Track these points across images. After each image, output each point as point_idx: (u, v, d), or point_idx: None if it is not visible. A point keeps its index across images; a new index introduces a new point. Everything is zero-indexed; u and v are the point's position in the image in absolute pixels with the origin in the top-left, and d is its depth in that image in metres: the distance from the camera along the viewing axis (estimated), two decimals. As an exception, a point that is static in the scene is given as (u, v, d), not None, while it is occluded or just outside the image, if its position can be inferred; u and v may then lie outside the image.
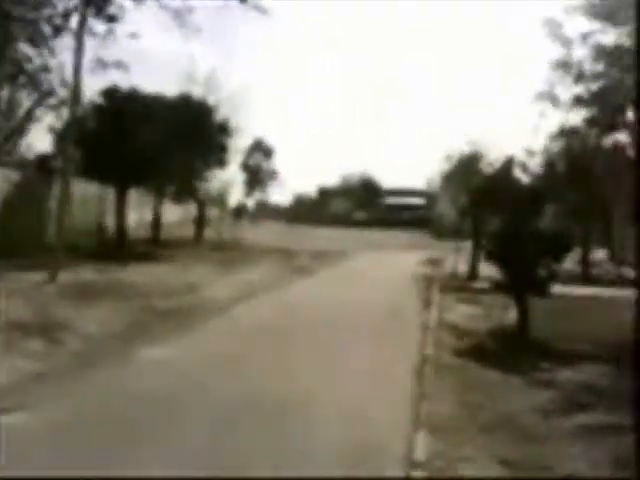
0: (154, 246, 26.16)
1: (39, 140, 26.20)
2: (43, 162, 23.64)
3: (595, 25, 11.96)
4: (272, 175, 73.36)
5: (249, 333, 10.22)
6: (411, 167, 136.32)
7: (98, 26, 15.16)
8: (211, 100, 29.21)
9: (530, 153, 22.79)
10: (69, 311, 10.97)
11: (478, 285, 18.12)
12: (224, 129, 28.82)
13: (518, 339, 10.09)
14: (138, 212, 30.18)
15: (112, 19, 14.79)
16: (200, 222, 33.96)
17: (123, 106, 23.66)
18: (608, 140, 19.87)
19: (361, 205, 79.46)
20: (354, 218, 74.27)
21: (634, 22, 11.51)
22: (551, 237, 10.53)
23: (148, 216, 29.19)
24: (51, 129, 23.28)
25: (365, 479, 4.88)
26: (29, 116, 20.02)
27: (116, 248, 22.62)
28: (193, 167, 27.17)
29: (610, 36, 11.85)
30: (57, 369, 7.41)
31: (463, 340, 10.17)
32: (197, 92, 28.47)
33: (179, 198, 29.55)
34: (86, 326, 9.83)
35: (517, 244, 10.41)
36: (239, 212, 53.59)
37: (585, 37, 12.17)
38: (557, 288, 11.15)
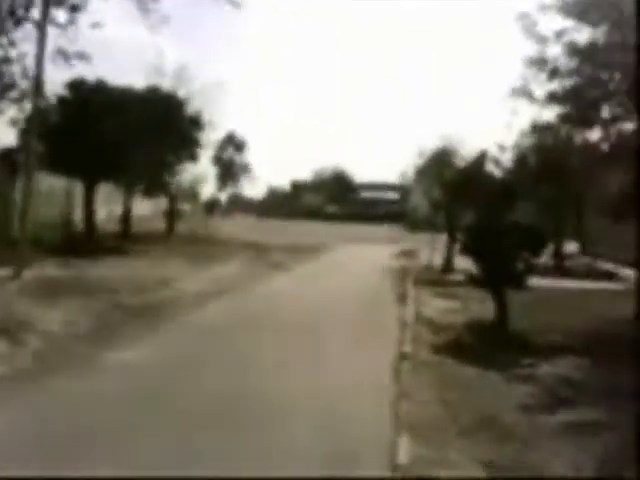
0: (124, 240, 25.53)
1: (3, 134, 25.42)
2: (7, 156, 22.84)
3: (569, 23, 11.90)
4: (245, 169, 72.83)
5: (222, 332, 9.86)
6: (384, 161, 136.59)
7: (61, 16, 14.60)
8: (182, 93, 28.66)
9: (502, 148, 22.85)
10: (33, 309, 10.51)
11: (453, 278, 18.04)
12: (195, 122, 28.27)
13: (496, 333, 9.95)
14: (107, 206, 29.49)
15: (75, 8, 14.23)
16: (171, 216, 33.36)
17: (90, 98, 23.01)
18: (580, 136, 20.03)
19: (334, 199, 79.35)
20: (327, 212, 74.12)
21: (607, 20, 11.50)
22: (527, 230, 10.41)
23: (118, 210, 28.54)
24: (14, 122, 22.52)
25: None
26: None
27: (84, 243, 21.99)
28: (163, 161, 26.59)
29: (584, 34, 11.80)
30: (16, 373, 7.02)
31: (440, 335, 10.00)
32: (166, 85, 27.90)
33: (149, 192, 28.89)
34: (50, 326, 9.41)
35: (493, 237, 10.28)
36: (211, 206, 53.03)
37: (559, 34, 12.09)
38: (532, 281, 11.06)
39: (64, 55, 14.43)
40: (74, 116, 22.59)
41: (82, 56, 14.87)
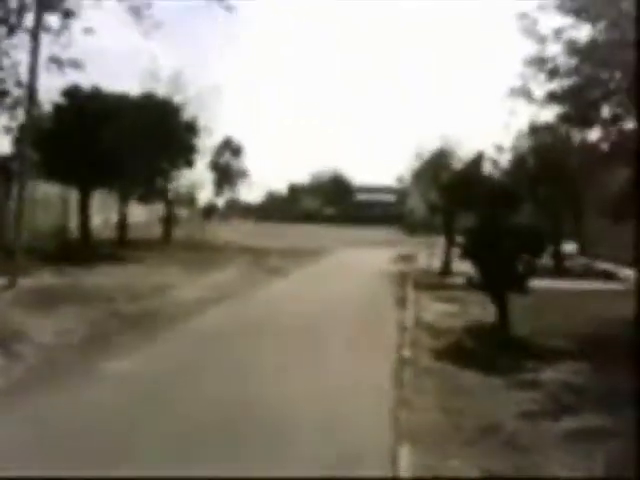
0: (120, 247, 25.39)
1: (-2, 142, 25.42)
2: (1, 164, 22.75)
3: (568, 21, 11.80)
4: (242, 173, 72.78)
5: (219, 340, 9.70)
6: (381, 164, 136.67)
7: (54, 23, 14.53)
8: (177, 99, 28.59)
9: (500, 149, 22.81)
10: (28, 319, 10.38)
11: (452, 281, 17.92)
12: (191, 128, 28.19)
13: (497, 337, 9.82)
14: (103, 213, 29.39)
15: (68, 14, 14.12)
16: (168, 222, 33.21)
17: (85, 105, 22.97)
18: (578, 135, 19.96)
19: (331, 202, 79.35)
20: (325, 215, 74.09)
21: (606, 18, 11.41)
22: (528, 232, 10.29)
23: (114, 217, 28.44)
24: (7, 130, 22.40)
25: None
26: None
27: (80, 250, 21.85)
28: (158, 167, 26.49)
29: (583, 32, 11.71)
30: (8, 386, 6.89)
31: (441, 339, 9.86)
32: (162, 91, 27.84)
33: (145, 198, 28.77)
34: (45, 336, 9.26)
35: (493, 240, 10.16)
36: (209, 211, 52.96)
37: (558, 33, 12.00)
38: (531, 282, 10.94)
39: (57, 63, 14.32)
40: (69, 123, 22.55)
41: (76, 64, 14.77)
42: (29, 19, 13.69)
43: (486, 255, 10.35)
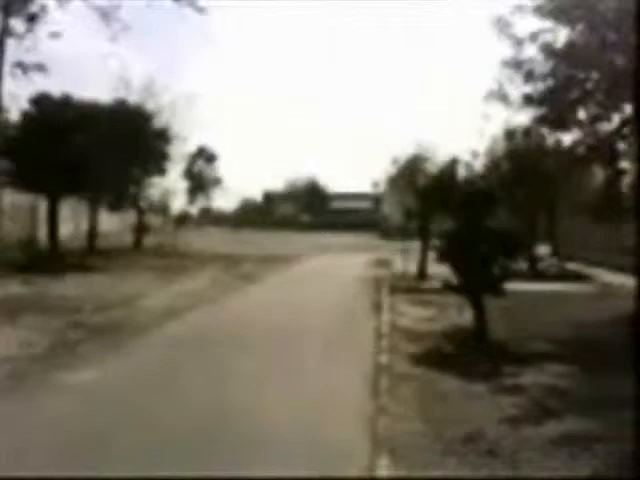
0: (89, 256, 24.77)
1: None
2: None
3: (545, 24, 11.72)
4: (216, 181, 72.02)
5: (185, 351, 9.27)
6: (356, 171, 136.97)
7: (19, 27, 14.12)
8: (150, 106, 28.15)
9: (475, 154, 22.84)
10: (-11, 331, 9.93)
11: (428, 285, 17.75)
12: (163, 136, 27.75)
13: (475, 341, 9.60)
14: (74, 222, 28.73)
15: (33, 18, 13.68)
16: (140, 230, 32.62)
17: (54, 113, 22.38)
18: (552, 138, 20.03)
19: (307, 209, 79.10)
20: (300, 222, 73.81)
21: (584, 20, 11.35)
22: (504, 235, 10.12)
23: (85, 226, 27.79)
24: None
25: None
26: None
27: (49, 260, 21.21)
28: (130, 175, 25.99)
29: (560, 34, 11.63)
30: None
31: (418, 345, 9.59)
32: (133, 98, 27.40)
33: (116, 206, 28.17)
34: (7, 348, 8.82)
35: (470, 243, 9.96)
36: (182, 219, 52.29)
37: (534, 36, 11.92)
38: (507, 285, 10.78)
39: (22, 67, 13.85)
40: (38, 131, 21.91)
41: (41, 68, 14.31)
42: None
43: (462, 258, 10.15)
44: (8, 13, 13.92)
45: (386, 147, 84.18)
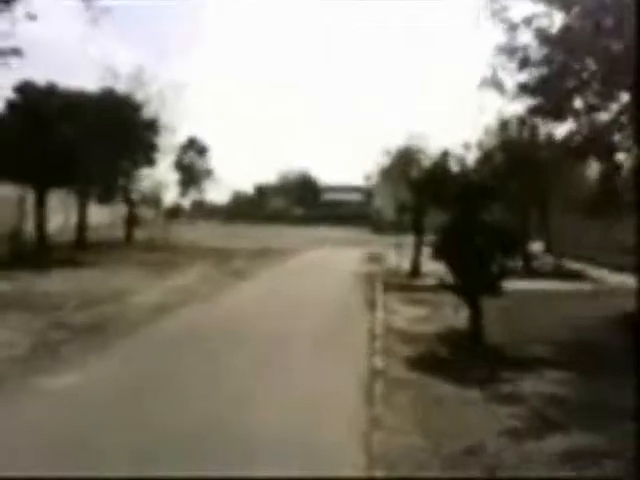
0: (78, 250, 24.35)
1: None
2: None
3: (539, 8, 11.37)
4: (207, 174, 71.43)
5: (173, 351, 8.92)
6: (348, 163, 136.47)
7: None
8: (138, 96, 27.65)
9: (467, 146, 22.51)
10: (-33, 330, 9.57)
11: (422, 282, 17.48)
12: (152, 126, 27.26)
13: (471, 344, 9.33)
14: (63, 214, 28.22)
15: (8, 1, 13.23)
16: (131, 223, 32.17)
17: (39, 102, 21.86)
18: (546, 129, 19.72)
19: (299, 202, 78.71)
20: (292, 215, 73.44)
21: (579, 5, 11.03)
22: (501, 231, 9.82)
23: (74, 219, 27.32)
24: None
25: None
26: None
27: (35, 254, 20.79)
28: (118, 166, 25.51)
29: (556, 19, 11.28)
30: None
31: (413, 347, 9.30)
32: (122, 88, 26.89)
33: (105, 199, 27.69)
34: (-17, 349, 8.47)
35: (467, 240, 9.66)
36: (174, 212, 51.86)
37: (528, 21, 11.57)
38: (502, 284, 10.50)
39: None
40: (23, 120, 21.40)
41: (17, 52, 13.85)
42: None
43: (458, 255, 9.86)
44: None
45: (378, 140, 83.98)
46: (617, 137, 12.66)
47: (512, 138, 22.35)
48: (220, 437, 5.46)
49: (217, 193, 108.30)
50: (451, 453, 5.13)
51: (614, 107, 11.78)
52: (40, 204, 22.50)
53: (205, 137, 67.39)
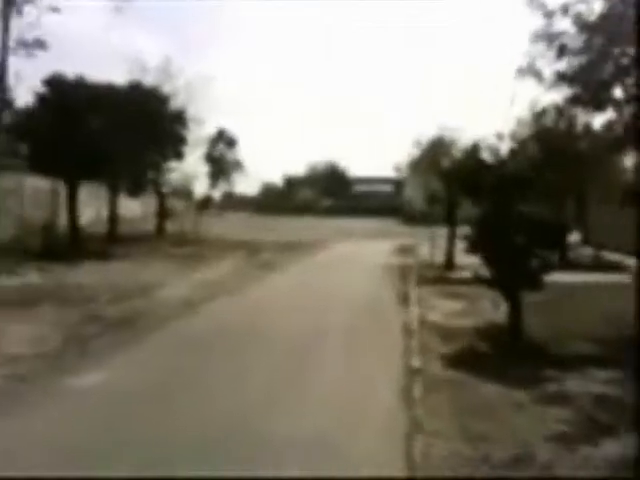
0: (110, 243, 24.48)
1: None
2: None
3: None
4: (236, 165, 71.56)
5: (201, 348, 8.72)
6: (378, 154, 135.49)
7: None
8: (166, 88, 27.65)
9: (500, 136, 21.90)
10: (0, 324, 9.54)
11: (457, 275, 17.07)
12: (179, 118, 27.22)
13: (512, 340, 8.95)
14: (94, 207, 28.39)
15: None
16: (162, 216, 32.30)
17: (69, 95, 21.91)
18: (584, 119, 19.08)
19: (328, 193, 78.37)
20: (321, 206, 73.16)
21: None
22: (544, 223, 9.39)
23: (105, 211, 27.49)
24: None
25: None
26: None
27: (68, 246, 20.93)
28: (147, 158, 25.53)
29: (595, 5, 10.76)
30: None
31: (451, 344, 8.96)
32: (150, 80, 26.93)
33: (135, 191, 27.76)
34: (15, 345, 8.39)
35: (505, 233, 9.26)
36: (204, 204, 52.06)
37: (565, 8, 11.06)
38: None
39: (24, 45, 13.40)
40: (53, 113, 21.49)
41: (41, 44, 13.82)
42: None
43: (495, 248, 9.46)
44: None
45: (409, 130, 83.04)
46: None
47: (547, 128, 21.69)
48: (246, 438, 5.22)
49: (246, 185, 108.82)
50: (500, 461, 4.80)
51: None
52: (72, 197, 22.62)
53: (234, 129, 67.55)
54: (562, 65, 11.55)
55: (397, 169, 58.42)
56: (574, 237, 27.22)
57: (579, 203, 27.54)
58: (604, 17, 10.77)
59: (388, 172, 66.09)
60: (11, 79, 13.71)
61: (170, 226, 32.49)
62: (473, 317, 10.95)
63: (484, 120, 28.30)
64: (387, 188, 75.49)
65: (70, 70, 22.82)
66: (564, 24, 11.24)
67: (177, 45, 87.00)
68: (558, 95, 12.52)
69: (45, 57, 15.00)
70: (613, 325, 10.32)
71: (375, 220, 51.94)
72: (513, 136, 23.31)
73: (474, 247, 9.99)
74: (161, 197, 32.48)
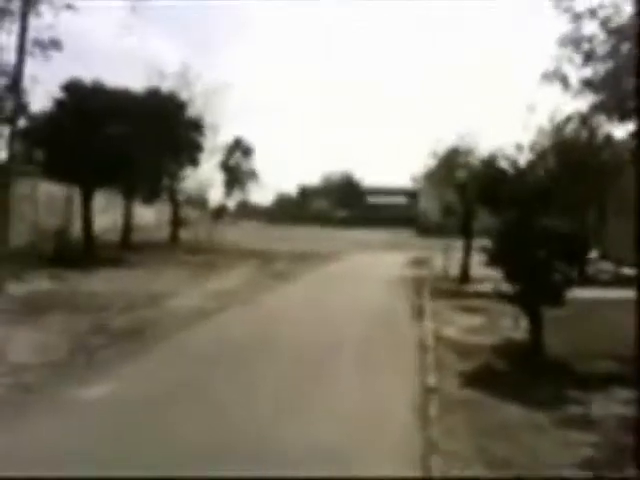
0: (123, 250, 24.44)
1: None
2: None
3: None
4: (252, 174, 71.66)
5: (210, 361, 8.48)
6: (392, 165, 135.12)
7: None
8: (183, 95, 27.68)
9: (519, 147, 21.56)
10: (8, 333, 9.40)
11: (472, 289, 16.73)
12: (196, 125, 27.19)
13: (532, 358, 8.63)
14: (110, 214, 28.39)
15: None
16: (176, 224, 32.27)
17: (86, 100, 21.89)
18: (610, 128, 18.64)
19: (342, 204, 78.14)
20: (336, 217, 72.92)
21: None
22: (568, 237, 9.09)
23: (120, 219, 27.47)
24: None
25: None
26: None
27: (81, 253, 20.87)
28: (163, 165, 25.47)
29: (624, 9, 10.45)
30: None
31: (468, 361, 8.66)
32: (167, 86, 26.97)
33: (150, 199, 27.71)
34: (22, 354, 8.24)
35: (528, 246, 8.96)
36: (219, 212, 52.10)
37: (593, 12, 10.78)
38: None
39: (41, 46, 13.35)
40: (71, 119, 21.48)
41: (56, 44, 13.75)
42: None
43: (517, 262, 9.16)
44: None
45: (424, 141, 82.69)
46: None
47: (568, 139, 21.30)
48: (254, 455, 4.98)
49: (261, 194, 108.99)
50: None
51: None
52: (86, 203, 22.60)
53: (249, 138, 67.65)
54: (588, 72, 11.26)
55: (414, 180, 58.08)
56: (593, 251, 26.73)
57: (599, 216, 27.04)
58: (632, 22, 10.48)
59: (404, 182, 65.81)
60: (27, 82, 13.61)
61: (184, 234, 32.45)
62: (491, 333, 10.63)
63: (503, 128, 27.97)
64: (402, 199, 75.12)
65: (84, 71, 23.03)
66: (592, 28, 10.96)
67: (192, 48, 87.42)
68: (583, 103, 12.20)
69: (60, 59, 14.93)
70: (633, 342, 9.95)
71: (389, 231, 51.56)
72: (533, 146, 22.95)
73: (494, 260, 9.71)
74: (175, 205, 32.46)
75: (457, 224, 22.49)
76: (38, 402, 6.37)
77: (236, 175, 68.41)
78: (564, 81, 11.10)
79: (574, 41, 10.80)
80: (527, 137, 22.43)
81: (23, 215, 20.88)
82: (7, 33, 12.92)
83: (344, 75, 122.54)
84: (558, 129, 21.02)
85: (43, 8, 13.05)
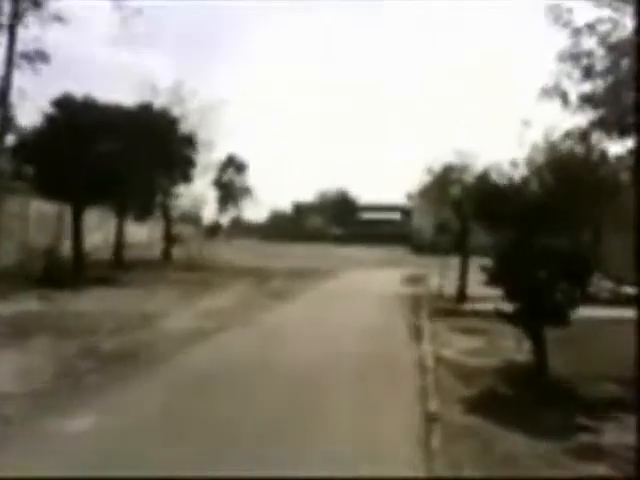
0: (116, 268, 24.07)
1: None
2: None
3: (604, 12, 10.47)
4: (245, 191, 71.52)
5: (204, 388, 8.07)
6: (387, 182, 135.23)
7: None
8: (176, 111, 27.52)
9: (514, 163, 21.42)
10: (-10, 356, 9.04)
11: (469, 308, 16.43)
12: (189, 141, 26.97)
13: (536, 382, 8.33)
14: (102, 232, 28.05)
15: (37, 3, 13.02)
16: (169, 241, 31.93)
17: (78, 115, 21.61)
18: (609, 145, 18.52)
19: (337, 221, 77.98)
20: (330, 234, 72.70)
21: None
22: (571, 256, 8.84)
23: (112, 236, 27.13)
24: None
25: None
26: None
27: (71, 272, 20.47)
28: (156, 182, 25.19)
29: (624, 24, 10.34)
30: None
31: (470, 385, 8.34)
32: (160, 103, 26.81)
33: (142, 216, 27.37)
34: (5, 381, 7.85)
35: (529, 265, 8.71)
36: (213, 230, 51.84)
37: (592, 27, 10.67)
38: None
39: (27, 57, 13.15)
40: (62, 135, 21.17)
41: (43, 56, 13.56)
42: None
43: (520, 282, 8.91)
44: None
45: (418, 158, 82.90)
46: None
47: (564, 155, 21.18)
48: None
49: (255, 211, 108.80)
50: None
51: None
52: (76, 221, 22.24)
53: (244, 155, 67.65)
54: (587, 87, 11.13)
55: (409, 197, 58.02)
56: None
57: (596, 234, 26.89)
58: (631, 37, 10.37)
59: (398, 200, 65.79)
60: (14, 96, 13.35)
61: (177, 252, 32.10)
62: (493, 355, 10.30)
63: (497, 144, 27.95)
64: (396, 216, 75.04)
65: (75, 86, 22.71)
66: (591, 43, 10.85)
67: (188, 68, 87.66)
68: (581, 119, 12.05)
69: (50, 74, 14.73)
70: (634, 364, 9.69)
71: (384, 248, 51.28)
72: (528, 162, 22.82)
73: (495, 280, 9.45)
74: (168, 222, 32.16)
75: (451, 241, 22.30)
76: (18, 435, 6.00)
77: (230, 191, 68.31)
78: (563, 97, 10.95)
79: (573, 56, 10.68)
80: (522, 153, 22.34)
81: (12, 233, 20.51)
82: None
83: (335, 92, 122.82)
84: (553, 146, 20.91)
85: (31, 20, 12.86)
